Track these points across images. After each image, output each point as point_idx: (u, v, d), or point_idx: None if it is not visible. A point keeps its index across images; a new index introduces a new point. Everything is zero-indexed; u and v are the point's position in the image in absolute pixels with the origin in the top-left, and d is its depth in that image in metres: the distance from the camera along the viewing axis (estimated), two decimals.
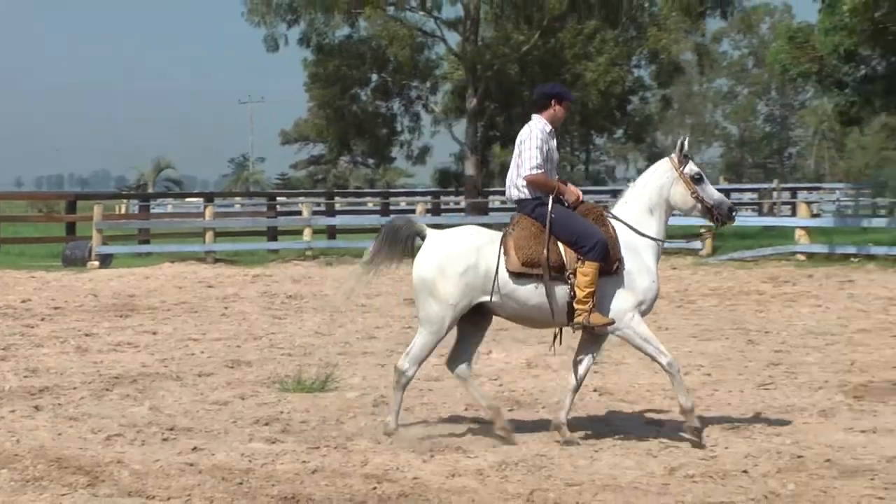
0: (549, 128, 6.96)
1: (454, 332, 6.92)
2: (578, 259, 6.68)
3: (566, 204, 6.87)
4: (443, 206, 33.76)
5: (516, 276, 6.74)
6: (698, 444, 6.56)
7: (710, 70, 56.44)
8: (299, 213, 26.45)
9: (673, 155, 7.06)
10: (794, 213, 27.72)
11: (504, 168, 31.40)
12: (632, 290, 6.72)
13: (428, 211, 29.21)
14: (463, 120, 33.58)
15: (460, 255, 6.77)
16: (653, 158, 30.59)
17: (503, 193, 23.40)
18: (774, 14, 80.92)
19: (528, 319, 6.94)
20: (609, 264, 6.67)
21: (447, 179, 40.36)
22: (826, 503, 5.46)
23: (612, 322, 6.68)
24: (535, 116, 7.03)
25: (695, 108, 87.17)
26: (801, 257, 21.07)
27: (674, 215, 7.05)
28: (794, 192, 39.04)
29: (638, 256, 6.78)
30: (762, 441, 6.72)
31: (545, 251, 6.70)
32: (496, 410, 6.88)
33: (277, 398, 8.11)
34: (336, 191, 49.24)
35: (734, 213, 7.03)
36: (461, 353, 7.00)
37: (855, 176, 70.16)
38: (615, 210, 6.97)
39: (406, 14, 32.55)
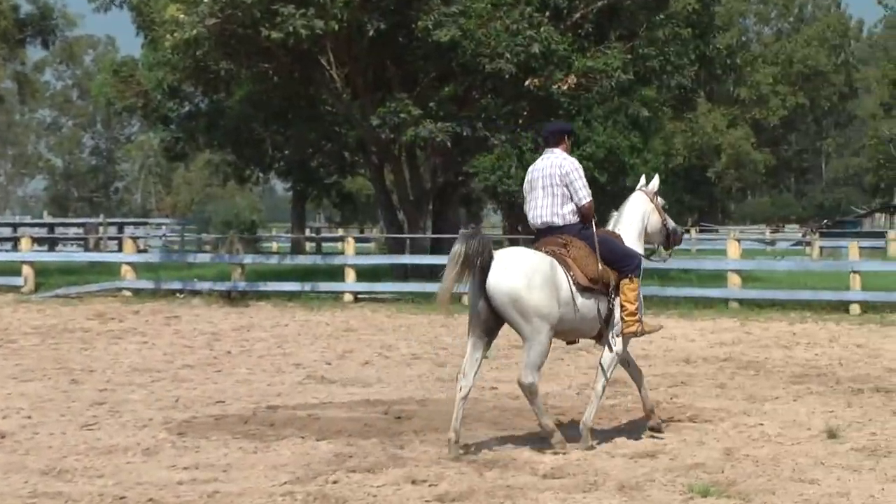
0: None
1: (471, 342, 7.58)
2: (622, 276, 7.89)
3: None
4: None
5: (581, 290, 7.66)
6: (590, 447, 7.66)
7: (31, 99, 54.85)
8: None
9: (645, 188, 8.64)
10: (120, 249, 28.03)
11: None
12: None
13: None
14: None
15: (541, 269, 7.47)
16: None
17: None
18: (98, 46, 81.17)
19: (577, 332, 7.93)
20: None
21: None
22: None
23: (661, 327, 8.56)
24: (557, 151, 8.10)
25: (17, 139, 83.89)
26: (128, 293, 21.46)
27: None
28: (120, 226, 39.47)
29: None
30: (84, 484, 6.62)
31: (600, 269, 7.73)
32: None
33: None
34: None
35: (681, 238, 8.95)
36: (473, 365, 7.53)
37: (181, 211, 72.93)
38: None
39: None
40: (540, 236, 8.04)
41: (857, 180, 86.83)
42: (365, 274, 23.10)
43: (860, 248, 21.44)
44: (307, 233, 43.18)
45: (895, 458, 7.31)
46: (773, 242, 45.24)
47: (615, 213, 8.58)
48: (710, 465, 7.09)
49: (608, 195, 35.36)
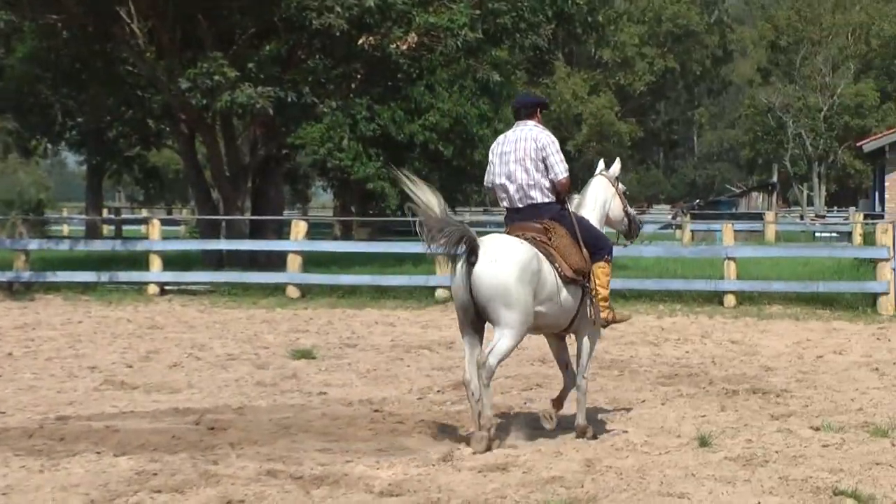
0: None
1: (467, 341, 8.21)
2: (596, 260, 8.55)
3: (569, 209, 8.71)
4: None
5: (566, 282, 8.35)
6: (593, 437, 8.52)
7: None
8: None
9: (606, 173, 9.17)
10: None
11: None
12: None
13: None
14: None
15: (529, 262, 8.07)
16: None
17: None
18: None
19: (556, 325, 8.62)
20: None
21: None
22: None
23: (630, 317, 9.41)
24: (531, 123, 8.67)
25: None
26: None
27: None
28: None
29: None
30: None
31: (584, 258, 8.44)
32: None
33: None
34: None
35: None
36: (475, 364, 8.07)
37: None
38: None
39: None
40: (515, 216, 8.63)
41: (732, 155, 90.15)
42: (173, 262, 22.74)
43: (735, 231, 22.25)
44: (104, 214, 42.17)
45: (773, 468, 7.59)
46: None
47: (576, 197, 9.09)
48: (568, 479, 7.25)
49: (455, 171, 35.90)
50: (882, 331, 16.06)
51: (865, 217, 36.74)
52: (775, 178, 70.73)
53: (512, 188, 8.60)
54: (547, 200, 8.59)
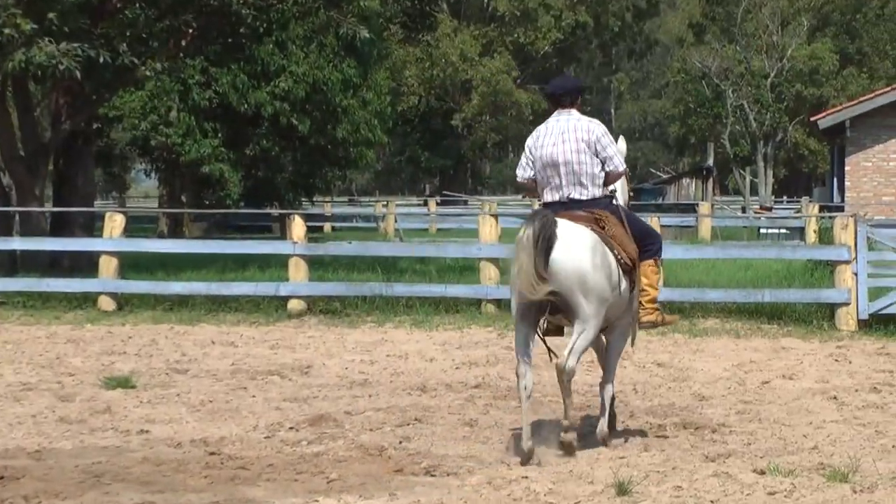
0: None
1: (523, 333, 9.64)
2: (645, 257, 10.03)
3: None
4: None
5: (625, 271, 9.82)
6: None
7: None
8: None
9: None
10: None
11: None
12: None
13: None
14: None
15: (599, 247, 9.58)
16: None
17: None
18: None
19: (608, 319, 9.87)
20: None
21: None
22: None
23: (677, 320, 11.51)
24: (574, 112, 10.14)
25: None
26: None
27: None
28: None
29: None
30: None
31: (635, 249, 9.90)
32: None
33: None
34: None
35: None
36: (528, 356, 9.65)
37: None
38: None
39: None
40: (561, 209, 9.84)
41: (658, 132, 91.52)
42: None
43: (662, 226, 22.51)
44: None
45: None
46: None
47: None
48: None
49: (312, 151, 35.80)
50: (841, 350, 16.36)
51: (821, 209, 37.50)
52: (711, 161, 71.75)
53: (562, 182, 10.03)
54: (599, 195, 10.04)
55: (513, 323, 9.81)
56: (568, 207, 9.89)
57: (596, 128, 10.09)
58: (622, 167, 10.19)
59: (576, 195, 9.98)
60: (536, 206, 10.62)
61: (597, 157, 9.99)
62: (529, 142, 10.29)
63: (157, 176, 42.07)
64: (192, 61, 26.08)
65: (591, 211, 9.83)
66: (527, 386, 9.57)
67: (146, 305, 20.24)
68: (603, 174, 10.04)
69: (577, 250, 9.42)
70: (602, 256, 9.57)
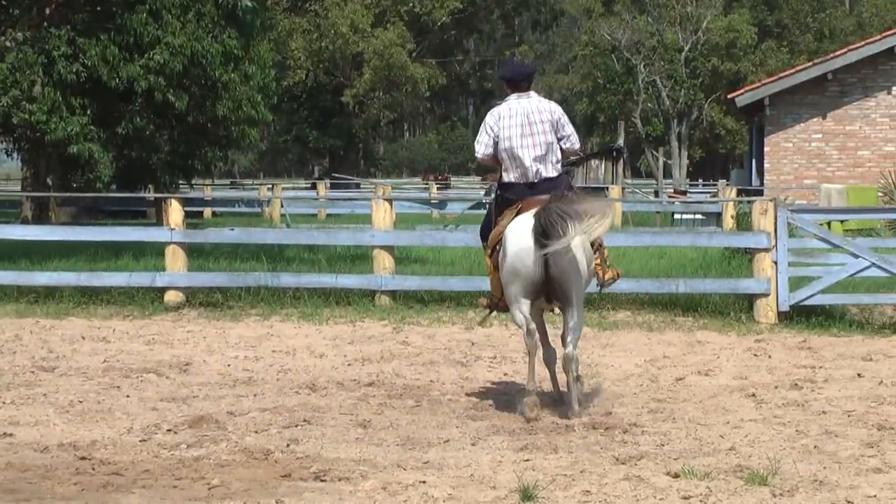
0: None
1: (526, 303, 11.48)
2: None
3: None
4: None
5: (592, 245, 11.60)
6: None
7: None
8: None
9: None
10: None
11: None
12: None
13: None
14: None
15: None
16: None
17: None
18: None
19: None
20: None
21: None
22: None
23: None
24: (533, 94, 12.05)
25: None
26: None
27: None
28: None
29: None
30: None
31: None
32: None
33: None
34: None
35: None
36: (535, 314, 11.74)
37: None
38: None
39: None
40: (528, 191, 11.76)
41: (564, 108, 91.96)
42: None
43: None
44: None
45: None
46: (441, 203, 46.94)
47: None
48: None
49: (190, 130, 35.54)
50: (760, 344, 16.56)
51: (739, 193, 37.91)
52: (621, 141, 72.27)
53: (529, 162, 11.80)
54: (558, 173, 11.96)
55: (517, 306, 11.48)
56: (536, 186, 11.75)
57: (556, 108, 12.10)
58: (577, 145, 12.19)
59: (545, 174, 11.81)
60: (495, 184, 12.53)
61: (556, 135, 11.89)
62: (490, 120, 11.94)
63: (19, 156, 41.56)
64: (57, 31, 25.77)
65: (554, 191, 11.56)
66: (540, 347, 11.82)
67: (8, 298, 20.02)
68: (559, 152, 11.99)
69: (574, 241, 11.05)
70: (584, 242, 11.29)
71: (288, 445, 10.25)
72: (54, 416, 11.39)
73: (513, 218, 11.52)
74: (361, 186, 62.98)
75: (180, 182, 41.01)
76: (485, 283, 19.99)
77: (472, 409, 11.95)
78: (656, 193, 57.10)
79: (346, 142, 76.10)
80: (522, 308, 11.44)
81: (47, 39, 23.87)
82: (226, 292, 19.85)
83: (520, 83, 12.05)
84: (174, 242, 19.94)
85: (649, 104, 69.81)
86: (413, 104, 77.38)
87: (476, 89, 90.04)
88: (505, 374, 14.13)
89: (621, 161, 65.92)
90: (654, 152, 72.13)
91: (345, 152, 77.26)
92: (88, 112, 31.18)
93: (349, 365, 14.71)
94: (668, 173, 69.75)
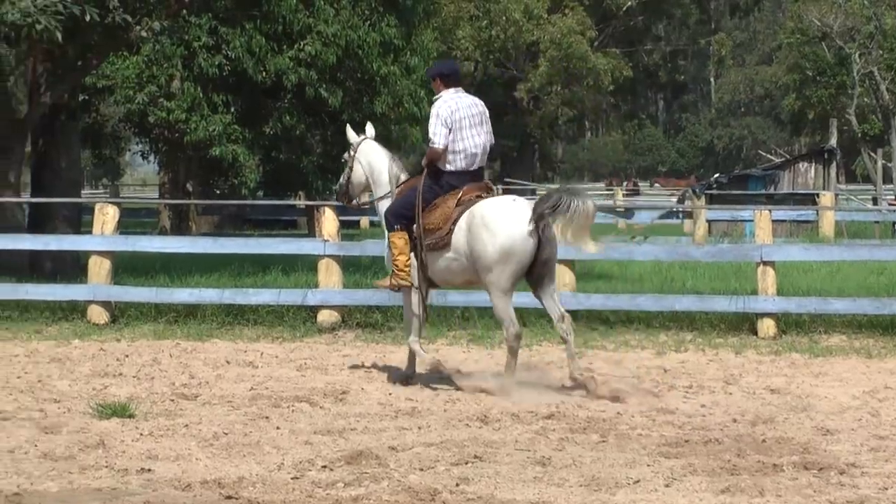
0: None
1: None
2: None
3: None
4: None
5: None
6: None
7: None
8: None
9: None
10: None
11: None
12: None
13: None
14: None
15: None
16: None
17: None
18: None
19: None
20: None
21: None
22: None
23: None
24: (461, 90, 14.61)
25: None
26: None
27: None
28: None
29: None
30: None
31: None
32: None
33: None
34: None
35: None
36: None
37: None
38: None
39: None
40: (467, 178, 14.49)
41: (768, 105, 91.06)
42: None
43: (775, 221, 22.28)
44: None
45: None
46: (628, 212, 46.67)
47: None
48: None
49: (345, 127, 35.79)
50: None
51: None
52: (834, 142, 71.41)
53: (478, 151, 14.57)
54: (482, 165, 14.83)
55: (506, 292, 14.29)
56: (475, 175, 14.65)
57: (479, 102, 14.98)
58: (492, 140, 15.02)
59: (481, 163, 14.75)
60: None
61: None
62: (444, 113, 14.40)
63: (156, 159, 42.23)
64: (197, 20, 26.17)
65: (480, 182, 14.81)
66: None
67: (146, 317, 20.35)
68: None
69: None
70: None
71: (457, 485, 10.27)
72: (197, 450, 11.54)
73: (469, 203, 14.23)
74: (537, 192, 62.93)
75: (334, 188, 41.41)
76: (679, 302, 20.06)
77: (665, 446, 11.86)
78: (875, 201, 56.26)
79: (519, 142, 76.15)
80: (508, 298, 14.33)
81: (187, 29, 24.23)
82: (386, 312, 19.94)
83: (454, 79, 14.69)
84: (328, 256, 20.08)
85: (866, 99, 68.92)
86: (595, 99, 77.09)
87: (667, 82, 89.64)
88: (702, 406, 14.00)
89: (833, 164, 65.15)
90: (872, 154, 70.87)
91: (518, 154, 77.34)
92: (232, 110, 31.63)
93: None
94: (888, 178, 68.62)
